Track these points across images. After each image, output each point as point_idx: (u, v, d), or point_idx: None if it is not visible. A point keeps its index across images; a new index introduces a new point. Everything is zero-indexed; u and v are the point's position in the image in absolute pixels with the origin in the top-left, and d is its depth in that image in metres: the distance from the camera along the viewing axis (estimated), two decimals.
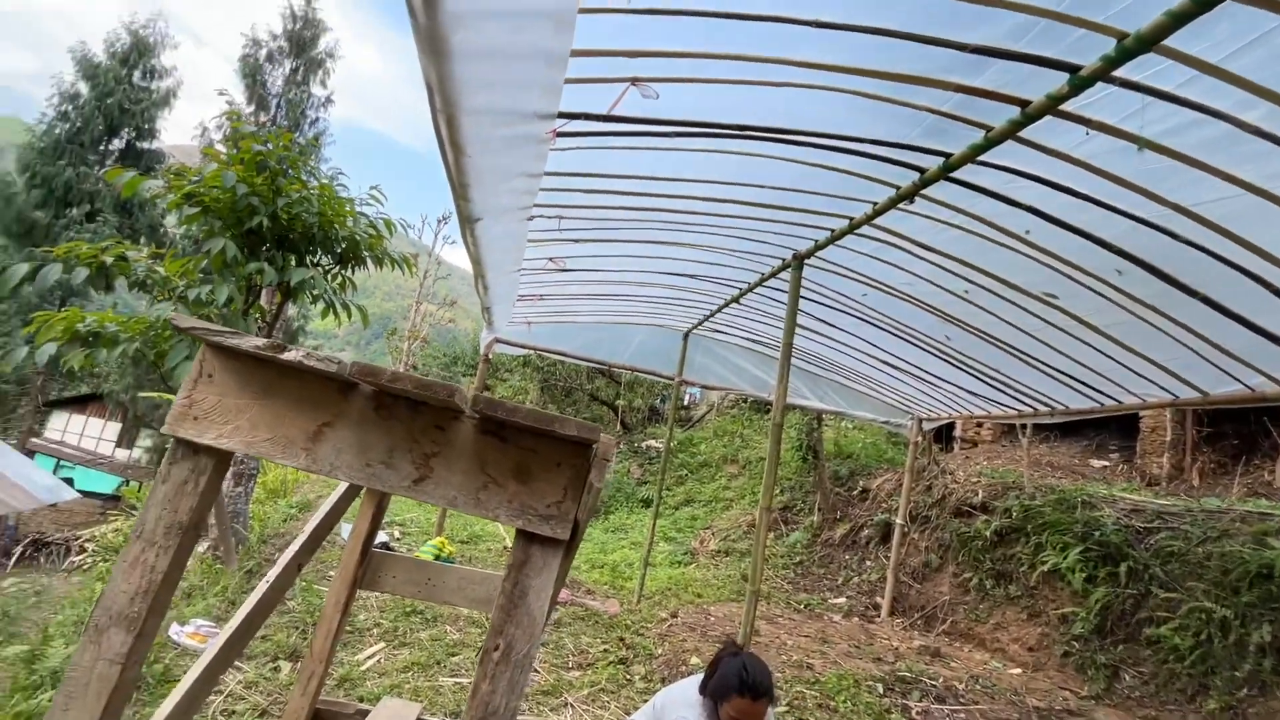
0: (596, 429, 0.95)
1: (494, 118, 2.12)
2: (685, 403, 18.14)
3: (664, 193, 3.29)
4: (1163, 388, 4.00)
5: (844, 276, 4.39)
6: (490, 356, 7.07)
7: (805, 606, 6.72)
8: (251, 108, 18.94)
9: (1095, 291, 3.28)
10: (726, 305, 5.49)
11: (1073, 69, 1.96)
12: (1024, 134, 2.31)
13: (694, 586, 7.00)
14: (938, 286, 3.98)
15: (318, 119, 19.98)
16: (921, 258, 3.70)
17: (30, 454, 17.20)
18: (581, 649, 4.47)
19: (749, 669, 1.88)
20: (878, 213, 3.14)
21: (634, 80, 2.14)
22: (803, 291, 4.67)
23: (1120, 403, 4.57)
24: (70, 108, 17.41)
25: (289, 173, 4.75)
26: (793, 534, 8.93)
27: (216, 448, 0.96)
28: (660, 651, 4.57)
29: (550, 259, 4.51)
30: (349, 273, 5.38)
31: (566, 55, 1.92)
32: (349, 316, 5.25)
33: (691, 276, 5.12)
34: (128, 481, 17.88)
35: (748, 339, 6.76)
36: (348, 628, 4.18)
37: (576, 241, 4.07)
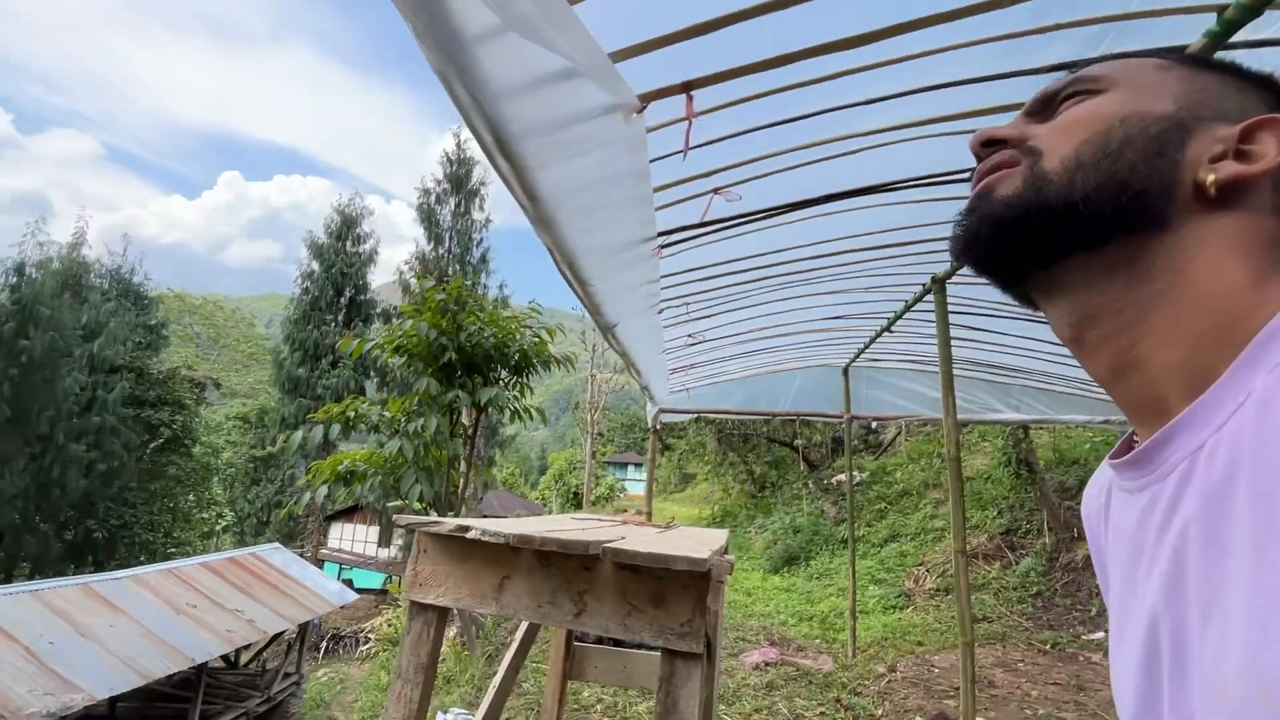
0: (707, 561, 1.12)
1: (603, 253, 2.47)
2: (872, 427, 17.15)
3: (779, 261, 3.42)
4: None
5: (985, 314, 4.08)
6: (658, 427, 7.46)
7: (1052, 646, 5.90)
8: (431, 244, 22.36)
9: None
10: (877, 338, 5.32)
11: (1180, 50, 1.80)
12: None
13: (912, 634, 6.50)
14: None
15: (481, 239, 22.96)
16: None
17: (320, 563, 21.06)
18: (796, 713, 4.40)
19: None
20: None
21: (716, 190, 2.36)
22: (966, 306, 4.42)
23: None
24: (309, 283, 22.09)
25: (466, 308, 5.64)
26: (1023, 561, 7.92)
27: (436, 605, 1.29)
28: (880, 712, 4.34)
29: (689, 335, 4.78)
30: (525, 379, 6.13)
31: (650, 194, 2.20)
32: (530, 419, 5.93)
33: (835, 318, 5.08)
34: (390, 578, 21.03)
35: (911, 362, 6.40)
36: (573, 706, 4.56)
37: (708, 317, 4.30)
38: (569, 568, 1.24)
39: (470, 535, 1.22)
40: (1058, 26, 1.74)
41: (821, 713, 4.38)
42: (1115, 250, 0.46)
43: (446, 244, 22.36)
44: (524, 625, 2.17)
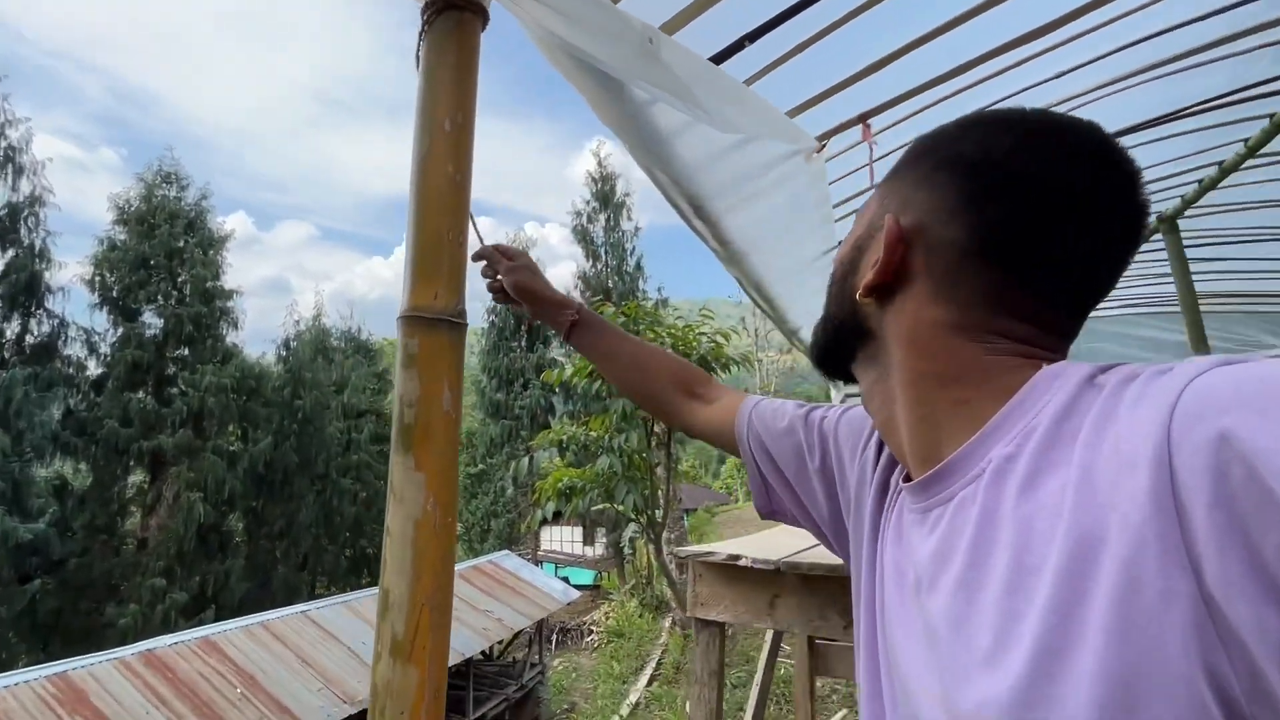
0: None
1: (788, 272, 2.60)
2: None
3: None
4: None
5: (1251, 209, 3.47)
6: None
7: None
8: (589, 261, 23.76)
9: None
10: None
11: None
12: None
13: None
14: None
15: (634, 248, 23.90)
16: None
17: (539, 564, 23.45)
18: None
19: None
20: (1253, 149, 2.55)
21: None
22: (1206, 240, 3.83)
23: None
24: (494, 316, 24.77)
25: (645, 324, 6.03)
26: None
27: (717, 620, 1.53)
28: None
29: None
30: None
31: (831, 213, 2.29)
32: None
33: None
34: (600, 574, 22.75)
35: (1141, 305, 5.58)
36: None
37: None
38: (832, 586, 1.41)
39: (742, 564, 1.44)
40: None
41: None
42: (864, 353, 0.59)
43: (603, 259, 23.62)
44: (770, 632, 2.37)
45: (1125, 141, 2.38)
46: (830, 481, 0.74)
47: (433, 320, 0.71)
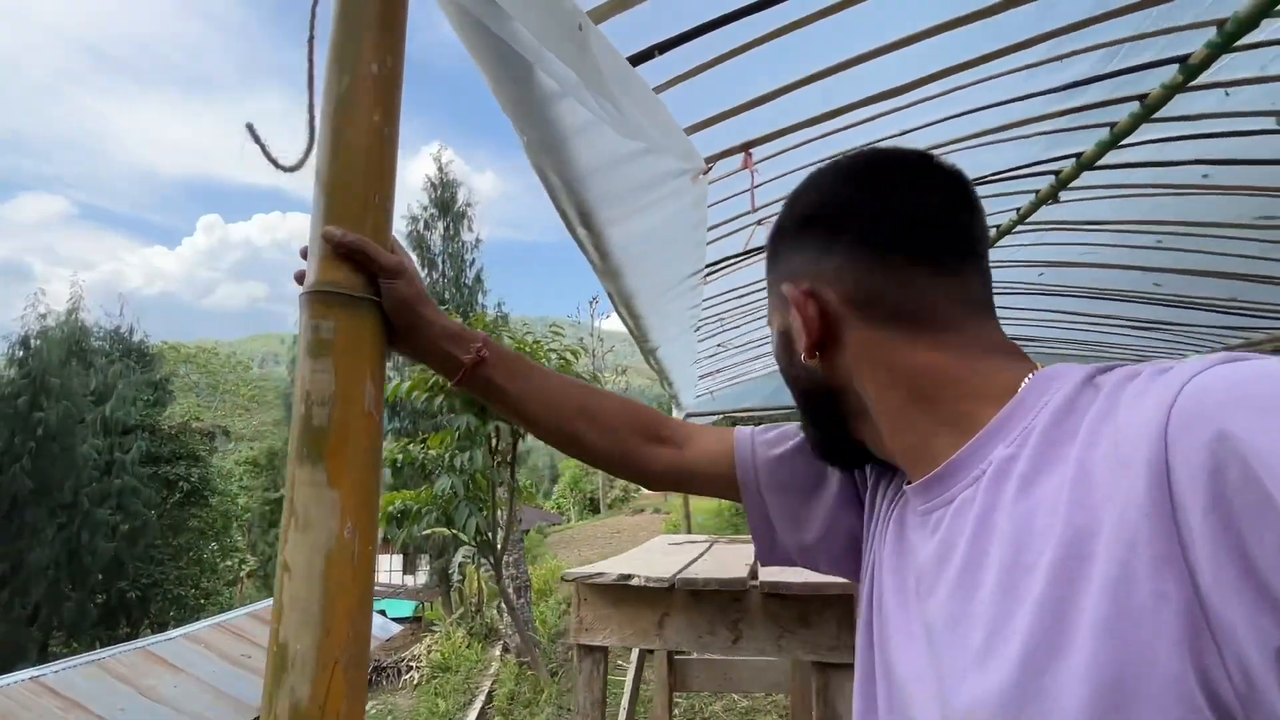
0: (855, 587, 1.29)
1: (658, 290, 2.64)
2: None
3: None
4: None
5: (1013, 266, 4.26)
6: None
7: None
8: (425, 269, 22.42)
9: None
10: None
11: (1181, 59, 1.97)
12: (1157, 115, 2.28)
13: None
14: (1122, 247, 3.74)
15: (474, 259, 23.04)
16: (1093, 230, 3.54)
17: None
18: None
19: None
20: (1023, 216, 3.14)
21: (759, 223, 2.53)
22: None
23: None
24: None
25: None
26: None
27: (602, 646, 1.46)
28: None
29: (719, 344, 4.95)
30: None
31: (705, 236, 2.37)
32: None
33: None
34: (422, 604, 21.16)
35: None
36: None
37: (738, 327, 4.47)
38: (722, 600, 1.41)
39: (634, 583, 1.38)
40: (1072, 53, 1.91)
41: None
42: (847, 411, 0.59)
43: (440, 268, 22.43)
44: (636, 650, 2.33)
45: None
46: (856, 483, 0.71)
47: (354, 299, 0.57)
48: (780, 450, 0.75)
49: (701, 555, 1.89)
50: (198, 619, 10.99)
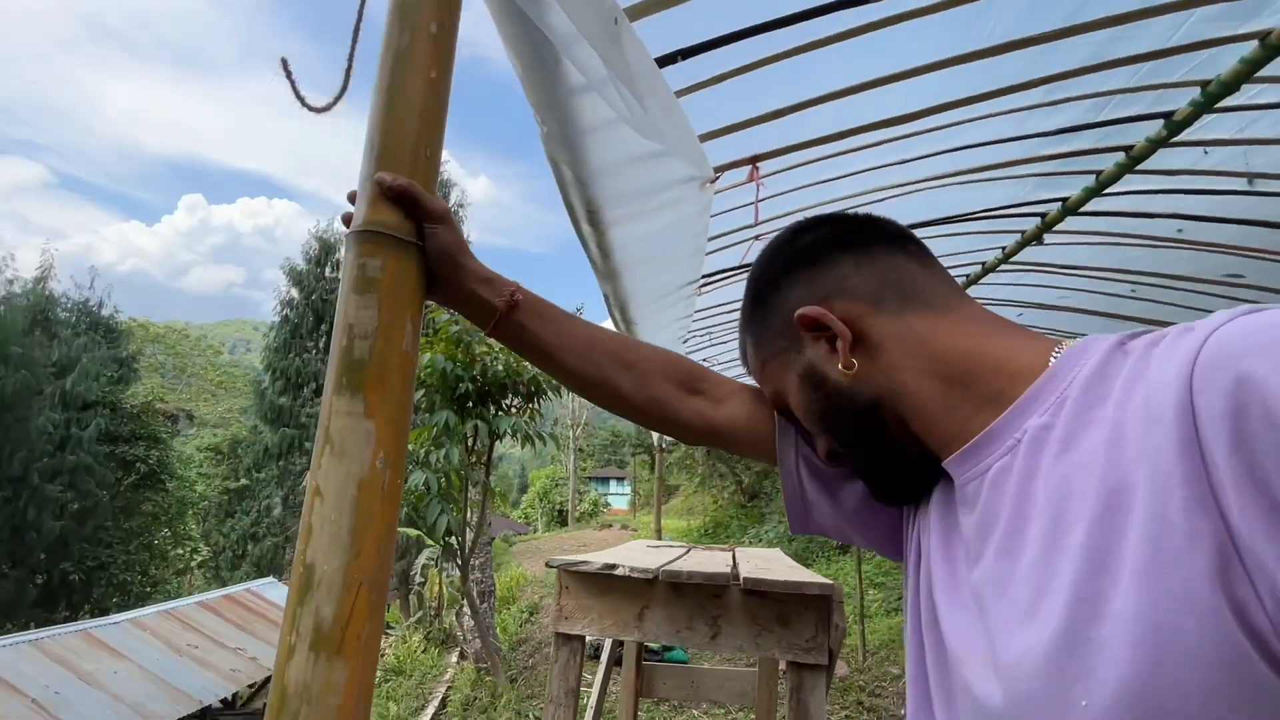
0: (832, 585, 1.32)
1: (653, 296, 2.67)
2: None
3: None
4: None
5: (994, 305, 4.39)
6: (663, 446, 7.65)
7: None
8: None
9: None
10: None
11: (1166, 115, 2.08)
12: (1140, 167, 2.40)
13: None
14: (1097, 293, 3.88)
15: None
16: (1072, 275, 3.67)
17: None
18: None
19: None
20: (1008, 255, 3.26)
21: (757, 237, 2.59)
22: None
23: None
24: (289, 311, 21.84)
25: (479, 336, 5.77)
26: None
27: (580, 635, 1.46)
28: (903, 712, 4.55)
29: (705, 359, 5.00)
30: (536, 405, 6.26)
31: (704, 246, 2.41)
32: (544, 444, 6.05)
33: None
34: (387, 605, 20.68)
35: None
36: None
37: (725, 342, 4.52)
38: (702, 596, 1.43)
39: (618, 572, 1.40)
40: (1066, 100, 2.01)
41: (846, 716, 4.58)
42: (891, 416, 0.57)
43: None
44: (608, 646, 2.32)
45: (931, 229, 2.82)
46: None
47: (403, 241, 0.60)
48: None
49: (681, 556, 1.90)
50: (141, 607, 10.60)
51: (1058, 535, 0.42)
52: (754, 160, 1.91)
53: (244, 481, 22.95)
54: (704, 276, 2.82)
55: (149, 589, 20.11)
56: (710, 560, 1.82)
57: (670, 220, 2.12)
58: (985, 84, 1.81)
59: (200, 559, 25.72)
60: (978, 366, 0.53)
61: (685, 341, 3.91)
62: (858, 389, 0.57)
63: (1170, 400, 0.37)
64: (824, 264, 0.60)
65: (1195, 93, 1.94)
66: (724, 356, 5.07)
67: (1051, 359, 0.50)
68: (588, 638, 1.51)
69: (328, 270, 22.48)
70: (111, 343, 22.42)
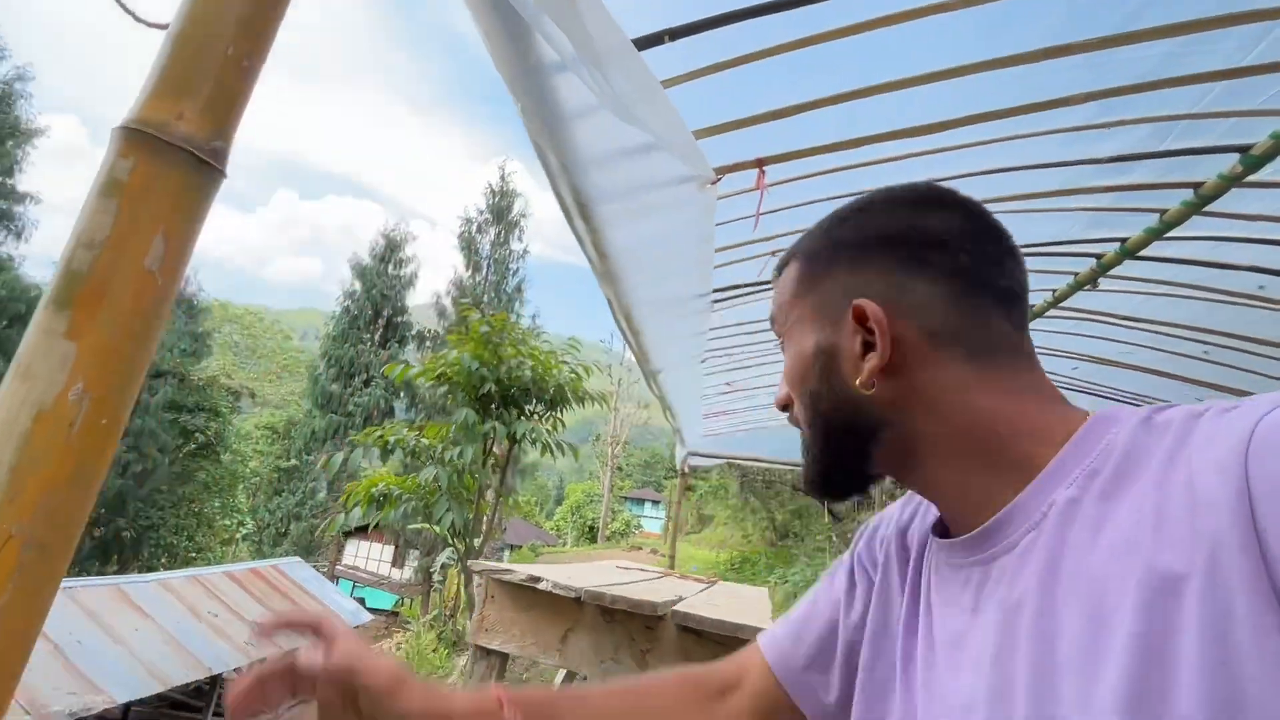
0: None
1: (659, 305, 2.55)
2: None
3: None
4: None
5: (1042, 354, 4.07)
6: (686, 470, 7.45)
7: None
8: (469, 271, 22.91)
9: None
10: None
11: (1242, 149, 1.84)
12: (1210, 208, 2.14)
13: None
14: (1165, 352, 3.52)
15: (518, 269, 23.46)
16: (1134, 328, 3.35)
17: (336, 579, 21.15)
18: None
19: None
20: (1058, 299, 2.98)
21: (773, 253, 2.44)
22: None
23: None
24: (350, 302, 22.83)
25: (508, 339, 5.78)
26: None
27: (501, 651, 1.34)
28: None
29: (727, 383, 4.82)
30: (558, 414, 6.20)
31: (711, 255, 2.29)
32: (561, 454, 5.98)
33: None
34: (401, 600, 20.97)
35: None
36: None
37: (748, 367, 4.35)
38: (633, 626, 1.28)
39: (541, 587, 1.27)
40: (1120, 123, 1.80)
41: None
42: (880, 448, 0.54)
43: (484, 271, 22.89)
44: (561, 675, 2.18)
45: None
46: (866, 593, 0.66)
47: (169, 145, 0.50)
48: (808, 630, 0.70)
49: (638, 580, 1.76)
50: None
51: (1099, 623, 0.40)
52: (760, 164, 1.78)
53: (294, 462, 23.86)
54: (717, 290, 2.68)
55: (194, 555, 21.07)
56: (667, 588, 1.66)
57: (672, 223, 2.02)
58: (1025, 95, 1.63)
59: (245, 532, 26.83)
60: (1012, 431, 0.50)
61: (703, 361, 3.76)
62: (864, 406, 0.53)
63: (1223, 488, 0.37)
64: (923, 270, 0.52)
65: (1278, 124, 1.70)
66: (750, 382, 4.88)
67: (1079, 427, 0.48)
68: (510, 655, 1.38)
69: (390, 267, 23.45)
70: (191, 319, 23.89)
